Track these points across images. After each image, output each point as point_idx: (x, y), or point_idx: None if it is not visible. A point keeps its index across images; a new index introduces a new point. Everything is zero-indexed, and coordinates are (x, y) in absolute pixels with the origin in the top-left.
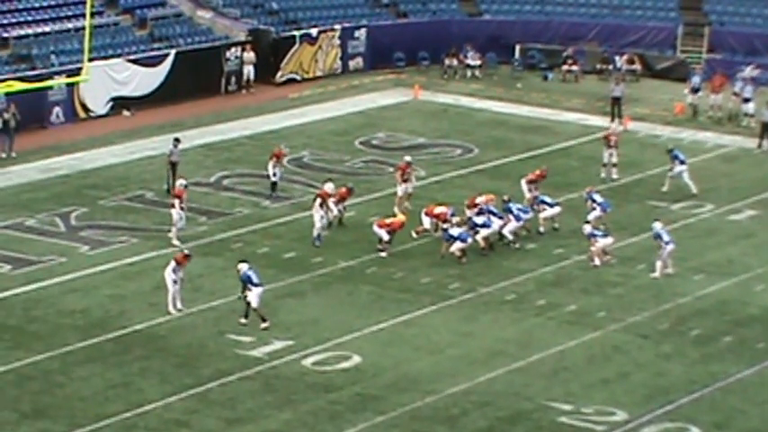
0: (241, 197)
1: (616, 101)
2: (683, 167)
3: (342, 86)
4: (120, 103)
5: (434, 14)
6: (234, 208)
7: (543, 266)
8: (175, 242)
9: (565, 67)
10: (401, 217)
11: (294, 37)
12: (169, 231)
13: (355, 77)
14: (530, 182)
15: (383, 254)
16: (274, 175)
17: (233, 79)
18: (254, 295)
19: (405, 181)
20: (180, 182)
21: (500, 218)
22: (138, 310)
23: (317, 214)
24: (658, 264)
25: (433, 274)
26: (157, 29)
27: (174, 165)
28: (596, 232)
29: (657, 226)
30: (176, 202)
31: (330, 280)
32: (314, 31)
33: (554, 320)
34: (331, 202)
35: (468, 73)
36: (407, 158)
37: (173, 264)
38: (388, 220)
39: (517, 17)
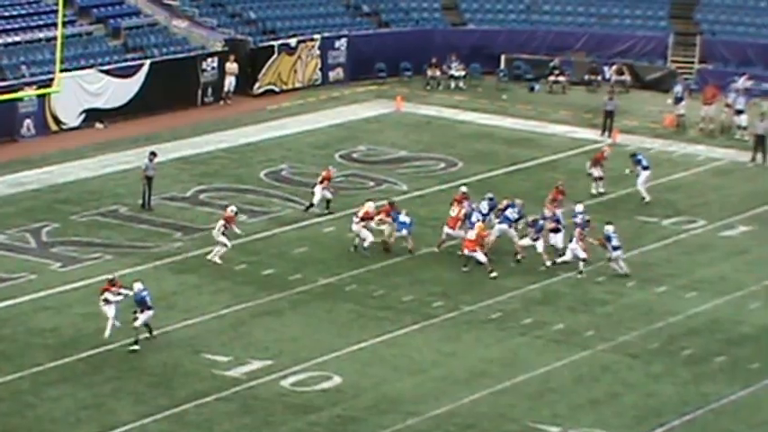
0: (218, 212)
1: (609, 114)
2: (647, 173)
3: (321, 98)
4: (92, 116)
5: (417, 24)
6: (210, 223)
7: (529, 284)
8: (217, 260)
9: (551, 78)
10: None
11: (272, 47)
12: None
13: (335, 89)
14: (552, 201)
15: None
16: (323, 197)
17: (209, 91)
18: (143, 317)
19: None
20: (231, 208)
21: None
22: (113, 329)
23: (365, 231)
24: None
25: (415, 291)
26: (131, 39)
27: (149, 179)
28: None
29: (610, 229)
30: (224, 226)
31: (309, 298)
32: (293, 41)
33: (540, 339)
34: (376, 220)
35: (452, 84)
36: (464, 189)
37: (106, 294)
38: (471, 236)
39: (502, 26)
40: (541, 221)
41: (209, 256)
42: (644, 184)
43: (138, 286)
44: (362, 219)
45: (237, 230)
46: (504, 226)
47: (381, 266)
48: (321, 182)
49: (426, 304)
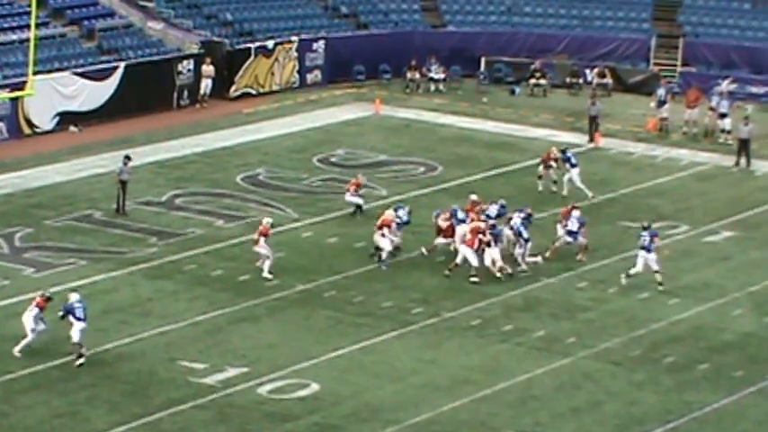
0: (194, 217)
1: (593, 119)
2: (575, 171)
3: (299, 101)
4: (66, 119)
5: (396, 26)
6: (186, 228)
7: (510, 290)
8: (267, 275)
9: (533, 81)
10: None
11: (249, 49)
12: (261, 269)
13: (313, 91)
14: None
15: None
16: (352, 202)
17: (185, 93)
18: (75, 330)
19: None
20: (267, 220)
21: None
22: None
23: (384, 240)
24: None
25: (394, 297)
26: (106, 40)
27: (123, 183)
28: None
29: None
30: (262, 239)
31: (286, 304)
32: (270, 44)
33: (521, 347)
34: (393, 227)
35: (432, 87)
36: (474, 197)
37: (35, 310)
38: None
39: (482, 28)
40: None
41: (263, 274)
42: (576, 182)
43: (74, 297)
44: (381, 227)
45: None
46: (510, 233)
47: (361, 272)
48: (348, 189)
49: (406, 311)
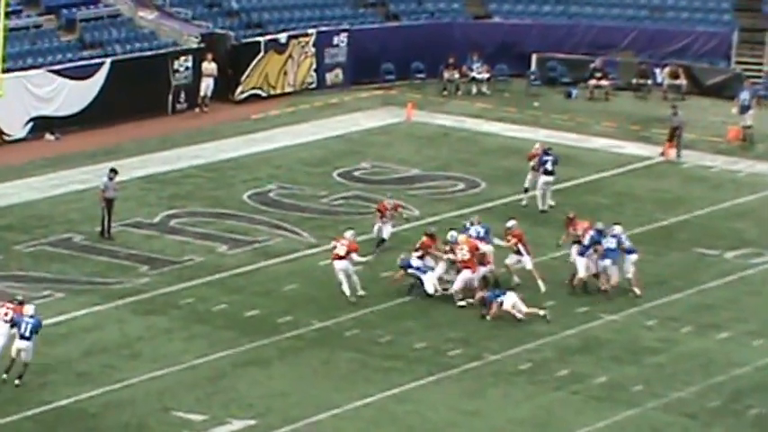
0: (192, 241)
1: (674, 131)
2: (546, 179)
3: (317, 105)
4: (41, 125)
5: (432, 16)
6: (183, 255)
7: (565, 329)
8: (358, 292)
9: (593, 82)
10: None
11: (258, 44)
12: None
13: (334, 94)
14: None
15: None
16: (380, 233)
17: (182, 95)
18: (14, 348)
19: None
20: (350, 233)
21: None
22: (64, 382)
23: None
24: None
25: (429, 337)
26: (89, 32)
27: (109, 201)
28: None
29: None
30: (352, 255)
31: (301, 345)
32: (283, 37)
33: (579, 395)
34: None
35: (474, 89)
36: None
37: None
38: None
39: (534, 20)
40: None
41: (357, 293)
42: (544, 192)
43: (27, 309)
44: (419, 249)
45: (361, 259)
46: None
47: (388, 307)
48: (381, 217)
49: (443, 352)
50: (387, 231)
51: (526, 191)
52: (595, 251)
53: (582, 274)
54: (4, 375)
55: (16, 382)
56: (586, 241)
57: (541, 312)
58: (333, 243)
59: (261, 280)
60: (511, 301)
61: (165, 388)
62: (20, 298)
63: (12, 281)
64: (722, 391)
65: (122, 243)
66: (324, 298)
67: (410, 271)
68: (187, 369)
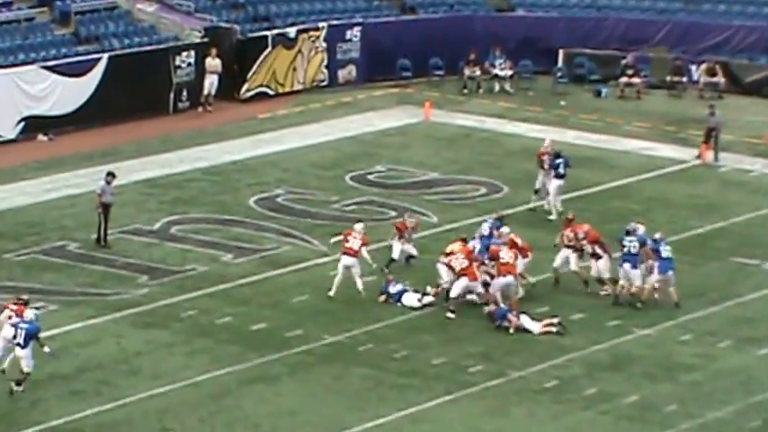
0: (194, 250)
1: (711, 131)
2: (558, 183)
3: (328, 104)
4: (34, 125)
5: (452, 9)
6: (185, 264)
7: (594, 344)
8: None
9: (623, 80)
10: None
11: (265, 38)
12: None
13: (346, 92)
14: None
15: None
16: (402, 252)
17: (184, 94)
18: (24, 357)
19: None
20: (360, 225)
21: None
22: (57, 400)
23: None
24: None
25: (447, 352)
26: (84, 26)
27: (106, 207)
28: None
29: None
30: (362, 250)
31: (312, 360)
32: (291, 31)
33: (608, 415)
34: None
35: (496, 86)
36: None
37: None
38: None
39: (560, 13)
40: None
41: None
42: (556, 196)
43: (27, 313)
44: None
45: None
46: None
47: (404, 320)
48: (399, 237)
49: (463, 369)
50: (397, 251)
51: (536, 192)
52: (646, 254)
53: (638, 283)
54: (5, 365)
55: (14, 387)
56: (627, 248)
57: (555, 321)
58: (341, 236)
59: (268, 291)
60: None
61: (166, 407)
62: (25, 297)
63: (1, 292)
64: (763, 411)
65: (120, 251)
66: (335, 310)
67: (392, 295)
68: (189, 386)
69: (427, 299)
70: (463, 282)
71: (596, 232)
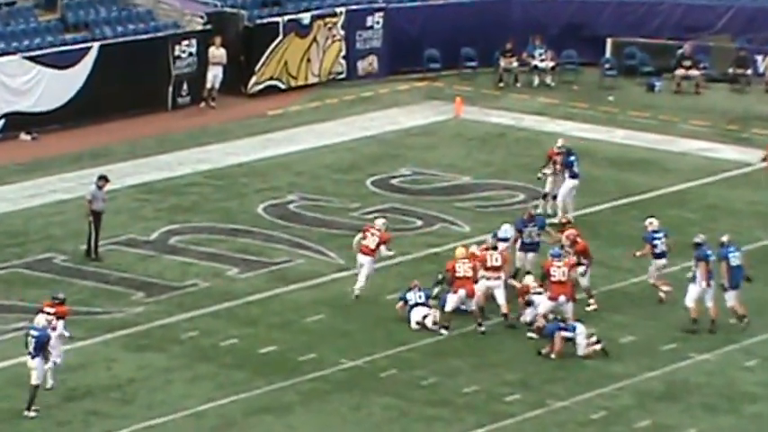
0: (196, 263)
1: None
2: (572, 183)
3: (347, 99)
4: (16, 122)
5: None
6: (185, 279)
7: (646, 370)
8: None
9: (680, 72)
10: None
11: (276, 25)
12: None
13: (367, 86)
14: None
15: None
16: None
17: (185, 87)
18: (40, 367)
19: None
20: (380, 221)
21: None
22: None
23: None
24: None
25: (480, 379)
26: (72, 12)
27: (96, 215)
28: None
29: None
30: (381, 247)
31: (328, 387)
32: (305, 17)
33: None
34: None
35: (536, 80)
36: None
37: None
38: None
39: None
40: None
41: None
42: (568, 197)
43: (39, 319)
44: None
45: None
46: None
47: (431, 342)
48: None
49: (498, 398)
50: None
51: (545, 197)
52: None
53: (690, 304)
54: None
55: (25, 413)
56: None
57: (598, 347)
58: (361, 234)
59: (278, 309)
60: (582, 335)
61: None
62: (61, 296)
63: None
64: None
65: (112, 265)
66: (354, 331)
67: (408, 303)
68: (189, 417)
69: (429, 321)
70: (460, 294)
71: (584, 241)
